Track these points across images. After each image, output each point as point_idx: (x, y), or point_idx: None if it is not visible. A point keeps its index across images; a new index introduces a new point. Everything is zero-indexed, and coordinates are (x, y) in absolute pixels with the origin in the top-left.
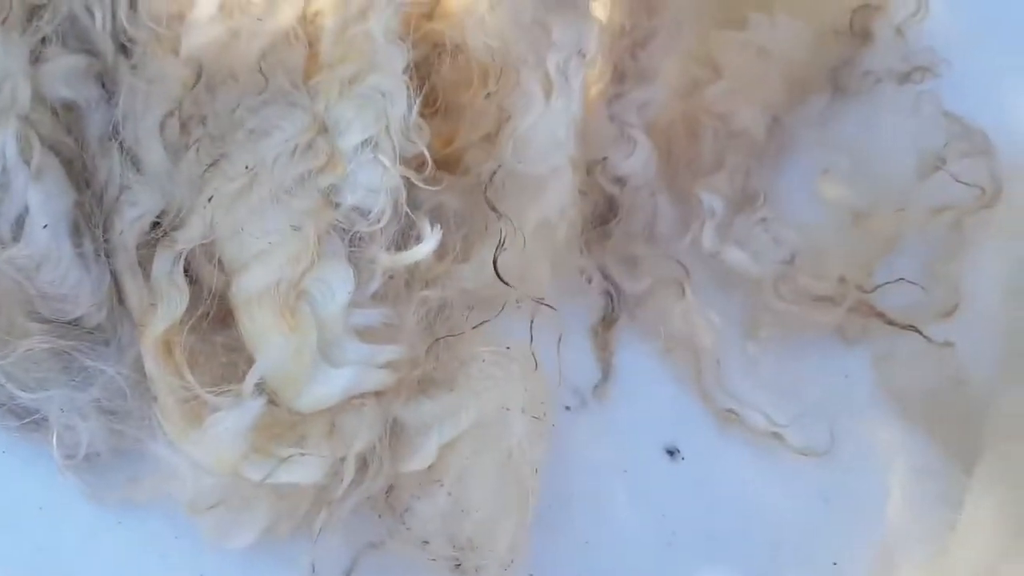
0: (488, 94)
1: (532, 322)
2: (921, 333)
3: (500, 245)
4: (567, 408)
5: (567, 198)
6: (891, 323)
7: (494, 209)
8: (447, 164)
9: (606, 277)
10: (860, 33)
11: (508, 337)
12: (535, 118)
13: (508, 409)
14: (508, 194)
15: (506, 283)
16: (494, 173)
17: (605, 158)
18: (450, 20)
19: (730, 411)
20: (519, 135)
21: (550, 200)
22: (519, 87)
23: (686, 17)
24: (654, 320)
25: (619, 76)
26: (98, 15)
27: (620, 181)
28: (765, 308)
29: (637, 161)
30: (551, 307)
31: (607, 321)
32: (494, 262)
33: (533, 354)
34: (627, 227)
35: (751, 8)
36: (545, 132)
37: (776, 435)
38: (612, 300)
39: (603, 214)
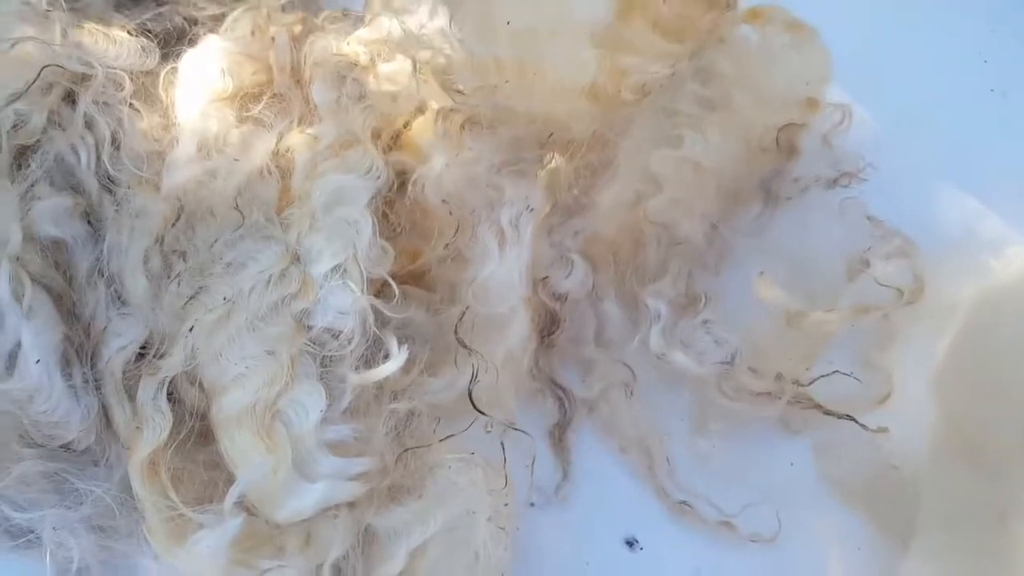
0: (446, 245)
1: (503, 444)
2: (857, 422)
3: (473, 379)
4: (531, 505)
5: (526, 332)
6: (829, 413)
7: (465, 346)
8: (413, 278)
9: (556, 384)
10: (786, 149)
11: (472, 443)
12: (492, 268)
13: (474, 513)
14: (475, 333)
15: (482, 412)
16: (462, 315)
17: (546, 278)
18: (412, 150)
19: (683, 503)
20: (479, 283)
21: (512, 335)
22: (476, 239)
23: (628, 151)
24: (608, 421)
25: (559, 210)
26: (83, 156)
27: (560, 297)
28: (711, 404)
29: (575, 279)
30: (526, 432)
31: (561, 425)
32: (469, 394)
33: (507, 475)
34: (570, 335)
35: (686, 128)
36: (502, 279)
37: (727, 524)
38: (564, 405)
39: (547, 327)
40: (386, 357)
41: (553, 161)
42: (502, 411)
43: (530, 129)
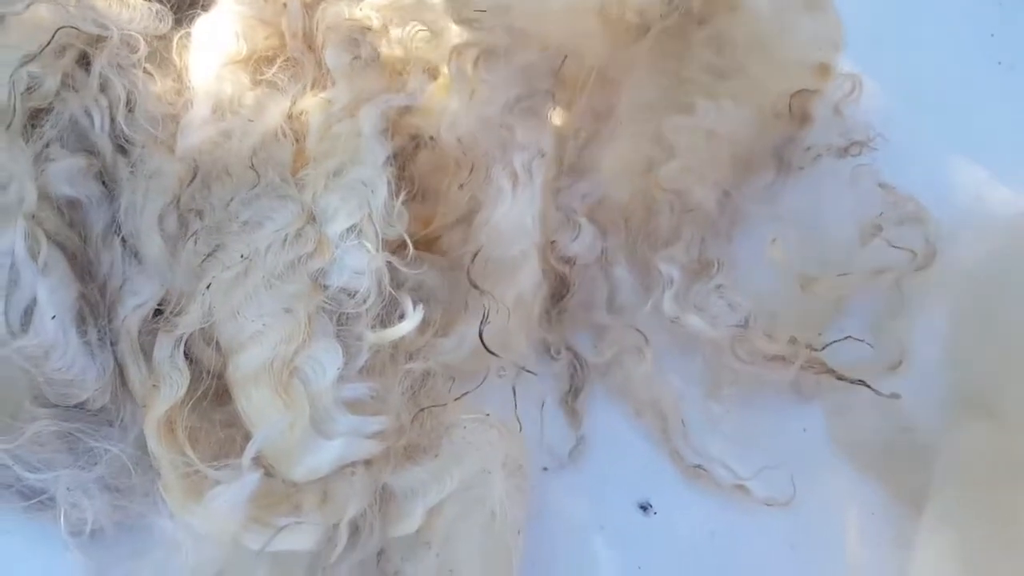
0: (461, 185)
1: (515, 388)
2: (870, 387)
3: (484, 319)
4: (545, 469)
5: (537, 277)
6: (842, 379)
7: (477, 287)
8: (426, 244)
9: (569, 350)
10: (799, 115)
11: (487, 404)
12: (505, 208)
13: (489, 472)
14: (487, 274)
15: (493, 353)
16: (475, 255)
17: (554, 241)
18: (426, 115)
19: (698, 467)
20: (492, 223)
21: (523, 279)
22: (489, 180)
23: (636, 110)
24: (621, 386)
25: (565, 170)
26: (97, 118)
27: (569, 261)
28: (724, 368)
29: (583, 243)
30: (533, 372)
31: (574, 390)
32: (480, 335)
33: (518, 418)
34: (581, 301)
35: (698, 96)
36: (514, 220)
37: (741, 487)
38: (577, 371)
39: (557, 291)
40: (401, 317)
41: (557, 113)
42: (513, 354)
43: (543, 57)
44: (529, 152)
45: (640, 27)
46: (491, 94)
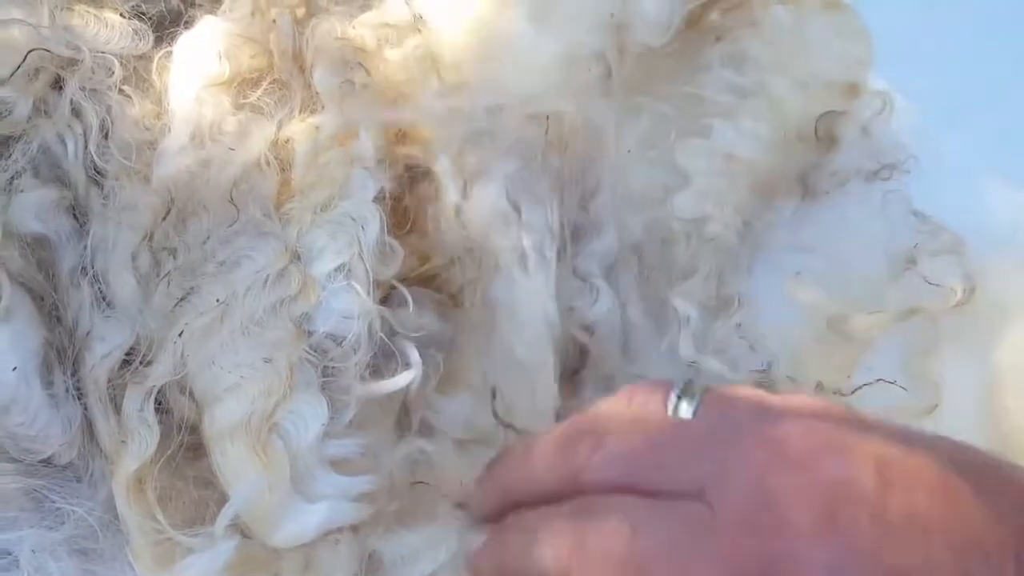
0: (471, 280)
1: None
2: None
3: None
4: None
5: (555, 358)
6: None
7: (507, 426)
8: (424, 281)
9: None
10: (826, 138)
11: None
12: (519, 292)
13: None
14: (502, 362)
15: (510, 426)
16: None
17: (571, 308)
18: (420, 143)
19: None
20: (504, 308)
21: (541, 367)
22: (499, 269)
23: (646, 135)
24: None
25: (574, 232)
26: (71, 145)
27: (588, 328)
28: None
29: (602, 307)
30: None
31: None
32: (494, 413)
33: None
34: (597, 373)
35: (715, 117)
36: (530, 303)
37: None
38: None
39: (574, 363)
40: (396, 366)
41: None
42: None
43: (526, 125)
44: (538, 231)
45: (601, 62)
46: (486, 180)
